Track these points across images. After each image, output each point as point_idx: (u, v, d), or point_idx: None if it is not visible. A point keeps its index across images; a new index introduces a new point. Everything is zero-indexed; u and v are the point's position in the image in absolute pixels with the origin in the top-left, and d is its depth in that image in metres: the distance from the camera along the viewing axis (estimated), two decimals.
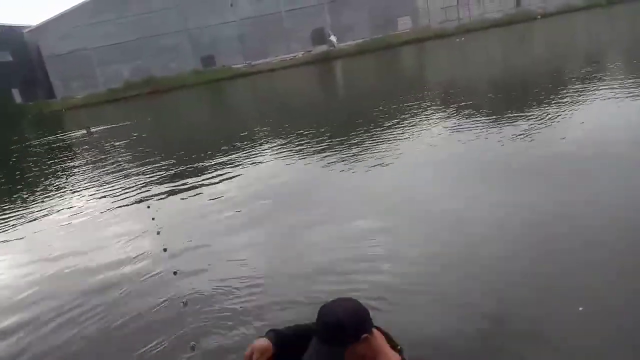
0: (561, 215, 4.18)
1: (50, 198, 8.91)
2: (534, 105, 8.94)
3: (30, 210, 8.17)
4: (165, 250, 4.92)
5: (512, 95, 11.19)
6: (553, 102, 9.07)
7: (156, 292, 4.10)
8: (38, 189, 10.04)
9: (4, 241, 6.66)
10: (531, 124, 7.61)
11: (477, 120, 8.62)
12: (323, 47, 42.64)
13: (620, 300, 2.97)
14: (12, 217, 7.89)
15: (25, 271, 5.29)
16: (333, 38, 42.75)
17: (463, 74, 17.01)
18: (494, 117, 8.78)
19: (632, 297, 2.98)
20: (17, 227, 7.20)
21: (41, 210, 8.05)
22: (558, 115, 7.97)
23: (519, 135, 7.10)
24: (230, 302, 3.72)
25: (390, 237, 4.40)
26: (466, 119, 8.95)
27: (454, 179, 5.83)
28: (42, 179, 11.05)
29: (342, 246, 4.35)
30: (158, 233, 5.57)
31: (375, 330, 1.77)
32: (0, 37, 44.45)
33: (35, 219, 7.50)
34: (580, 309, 2.89)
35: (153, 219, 6.22)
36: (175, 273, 4.34)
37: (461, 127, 8.35)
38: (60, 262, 5.33)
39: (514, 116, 8.41)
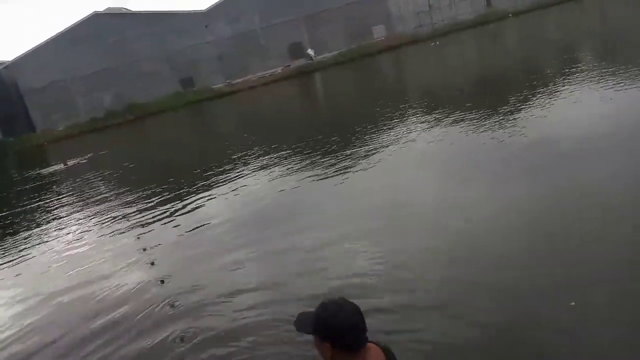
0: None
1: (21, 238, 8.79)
2: (512, 103, 9.04)
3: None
4: (162, 282, 4.94)
5: (489, 94, 11.29)
6: (530, 98, 9.16)
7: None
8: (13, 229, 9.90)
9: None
10: (511, 120, 7.69)
11: (459, 122, 8.67)
12: (301, 61, 42.85)
13: None
14: None
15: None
16: (311, 51, 43.00)
17: (440, 78, 17.16)
18: (476, 117, 8.84)
19: None
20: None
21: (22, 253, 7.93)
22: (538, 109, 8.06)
23: (507, 131, 7.21)
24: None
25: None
26: (448, 121, 9.00)
27: (449, 178, 5.91)
28: (19, 218, 10.90)
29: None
30: (152, 264, 5.56)
31: (356, 354, 1.74)
32: None
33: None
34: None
35: (144, 249, 6.18)
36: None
37: (445, 130, 8.40)
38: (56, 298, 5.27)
39: (497, 114, 8.49)
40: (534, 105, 8.50)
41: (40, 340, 4.40)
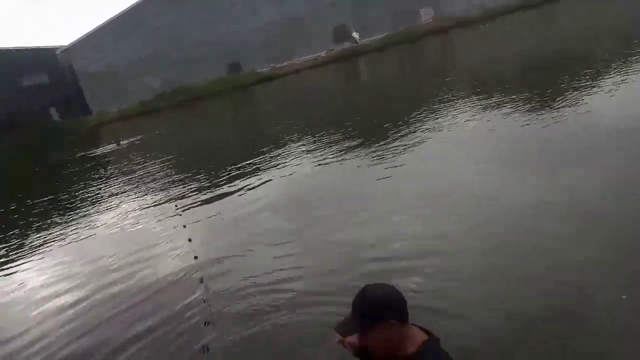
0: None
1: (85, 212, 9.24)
2: (572, 90, 8.64)
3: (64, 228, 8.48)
4: (196, 257, 5.04)
5: (542, 80, 10.82)
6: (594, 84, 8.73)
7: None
8: (77, 204, 10.41)
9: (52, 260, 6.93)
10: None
11: (511, 110, 8.38)
12: (346, 45, 42.49)
13: None
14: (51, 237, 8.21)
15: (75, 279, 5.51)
16: (355, 35, 42.55)
17: (490, 62, 16.60)
18: (529, 104, 8.51)
19: None
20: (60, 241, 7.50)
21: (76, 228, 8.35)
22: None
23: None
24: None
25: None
26: (501, 109, 8.71)
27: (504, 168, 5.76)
28: (81, 193, 11.46)
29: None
30: (190, 240, 5.68)
31: (406, 324, 1.77)
32: (36, 59, 46.42)
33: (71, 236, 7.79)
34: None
35: (184, 226, 6.35)
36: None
37: (501, 117, 8.13)
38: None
39: (554, 103, 8.14)
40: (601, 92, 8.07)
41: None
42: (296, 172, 8.01)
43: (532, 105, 8.24)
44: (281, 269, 4.26)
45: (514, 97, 9.24)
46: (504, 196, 4.73)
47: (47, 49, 49.08)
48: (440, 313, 3.02)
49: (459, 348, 2.38)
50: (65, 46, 46.36)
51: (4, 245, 8.07)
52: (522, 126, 7.11)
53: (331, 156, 8.33)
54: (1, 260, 7.18)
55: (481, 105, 9.36)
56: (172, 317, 3.91)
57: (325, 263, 4.19)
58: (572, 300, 2.98)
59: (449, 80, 14.33)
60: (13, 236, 8.67)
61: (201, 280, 4.45)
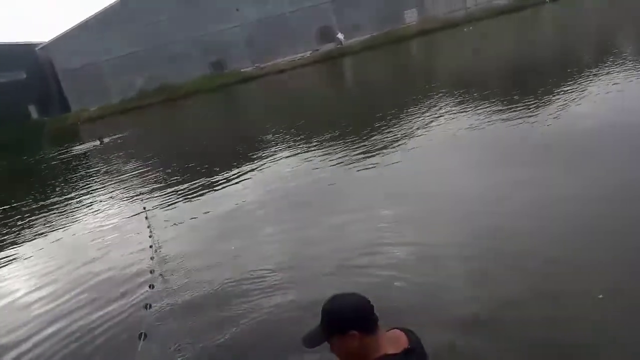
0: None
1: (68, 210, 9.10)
2: (549, 94, 8.79)
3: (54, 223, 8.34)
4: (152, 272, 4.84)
5: (525, 84, 10.99)
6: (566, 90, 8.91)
7: None
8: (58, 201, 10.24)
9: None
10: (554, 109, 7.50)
11: (494, 111, 8.50)
12: (330, 46, 42.53)
13: None
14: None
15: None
16: (340, 36, 42.57)
17: (473, 65, 16.81)
18: (511, 106, 8.63)
19: None
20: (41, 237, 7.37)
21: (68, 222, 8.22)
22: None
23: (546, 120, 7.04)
24: None
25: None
26: (482, 109, 8.83)
27: (483, 165, 5.83)
28: (62, 191, 11.26)
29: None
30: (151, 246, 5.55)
31: (371, 335, 1.73)
32: (15, 55, 45.29)
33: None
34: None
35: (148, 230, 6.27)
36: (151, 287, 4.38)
37: (479, 118, 8.24)
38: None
39: (534, 104, 8.27)
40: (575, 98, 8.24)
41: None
42: (272, 169, 8.05)
43: (511, 106, 8.38)
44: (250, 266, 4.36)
45: (493, 97, 9.38)
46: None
47: (25, 44, 47.98)
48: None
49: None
50: (45, 43, 45.43)
51: None
52: (511, 127, 7.22)
53: (310, 154, 8.37)
54: None
55: (460, 105, 9.49)
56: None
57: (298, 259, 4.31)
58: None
59: (431, 81, 14.46)
60: None
61: (151, 272, 4.60)
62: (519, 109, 7.93)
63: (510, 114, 7.75)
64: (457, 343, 2.79)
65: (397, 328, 1.86)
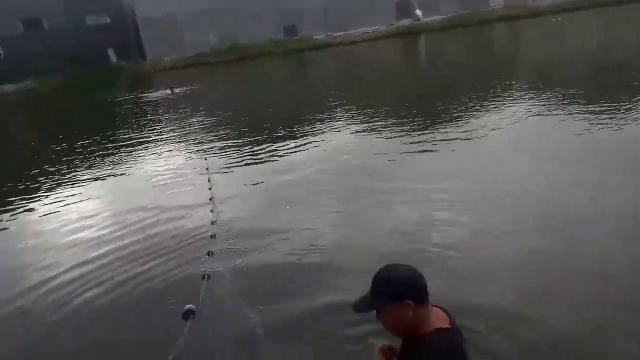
0: None
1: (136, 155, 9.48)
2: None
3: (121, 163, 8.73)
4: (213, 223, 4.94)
5: (620, 84, 10.13)
6: None
7: None
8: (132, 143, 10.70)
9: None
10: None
11: (574, 108, 7.94)
12: (407, 21, 41.32)
13: None
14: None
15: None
16: (419, 12, 41.26)
17: (562, 57, 15.73)
18: (602, 107, 7.99)
19: None
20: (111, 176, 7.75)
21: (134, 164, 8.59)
22: None
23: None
24: None
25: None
26: (564, 106, 8.27)
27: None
28: (133, 132, 11.76)
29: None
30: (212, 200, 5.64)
31: (424, 307, 1.73)
32: (102, 1, 47.26)
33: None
34: None
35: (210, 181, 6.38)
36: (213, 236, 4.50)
37: (562, 113, 7.73)
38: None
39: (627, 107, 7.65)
40: None
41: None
42: (336, 141, 7.94)
43: (595, 107, 7.76)
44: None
45: (574, 96, 8.75)
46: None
47: None
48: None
49: None
50: None
51: (43, 178, 8.33)
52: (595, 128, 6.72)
53: (376, 131, 8.19)
54: (41, 192, 7.44)
55: (538, 101, 8.91)
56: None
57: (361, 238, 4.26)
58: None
59: (511, 72, 13.69)
60: (56, 171, 8.98)
61: (212, 223, 4.81)
62: (610, 110, 7.35)
63: (599, 115, 7.19)
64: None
65: (434, 305, 1.84)
